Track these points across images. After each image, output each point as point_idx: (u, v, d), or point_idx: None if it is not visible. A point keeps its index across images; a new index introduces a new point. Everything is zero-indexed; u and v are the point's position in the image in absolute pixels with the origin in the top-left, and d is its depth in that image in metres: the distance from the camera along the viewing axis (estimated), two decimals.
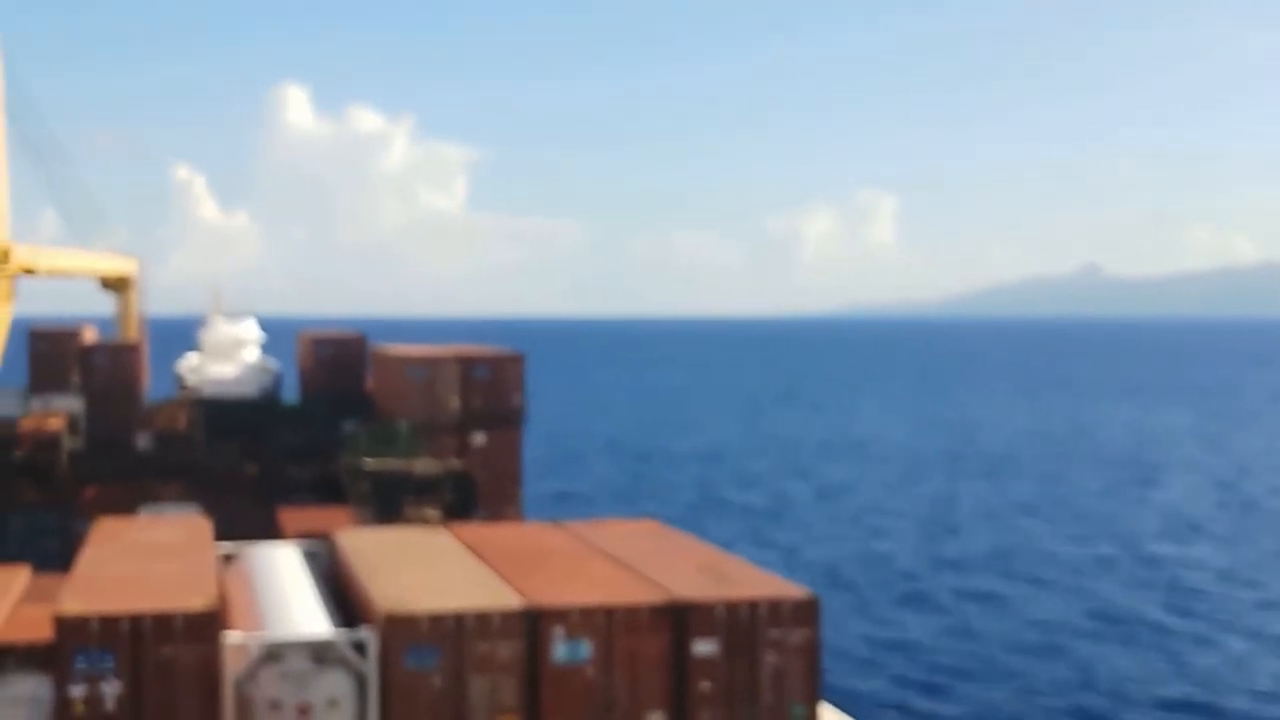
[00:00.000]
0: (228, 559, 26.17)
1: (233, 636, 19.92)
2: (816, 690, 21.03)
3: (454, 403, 38.71)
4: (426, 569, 23.36)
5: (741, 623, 20.79)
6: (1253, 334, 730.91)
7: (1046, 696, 55.16)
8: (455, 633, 20.11)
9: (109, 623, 19.50)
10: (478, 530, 27.75)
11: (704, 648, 20.66)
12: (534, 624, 20.32)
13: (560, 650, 20.33)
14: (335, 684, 19.96)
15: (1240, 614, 69.41)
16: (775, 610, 20.94)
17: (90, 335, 51.32)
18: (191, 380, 47.68)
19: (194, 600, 20.15)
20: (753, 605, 20.92)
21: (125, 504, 39.56)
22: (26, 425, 43.77)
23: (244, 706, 19.68)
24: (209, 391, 45.78)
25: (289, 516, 35.48)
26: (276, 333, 59.67)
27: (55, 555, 33.62)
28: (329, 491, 38.52)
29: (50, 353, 48.34)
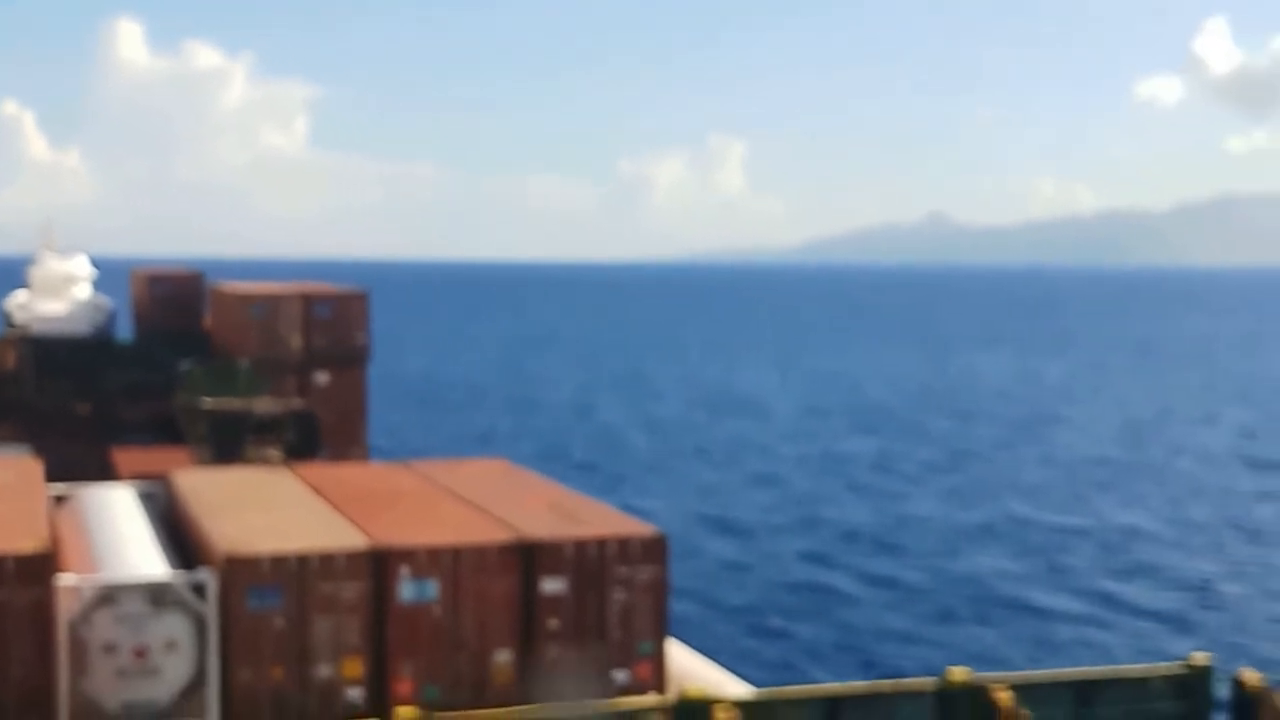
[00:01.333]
0: (60, 501, 25.35)
1: (66, 579, 19.32)
2: (664, 627, 21.09)
3: (296, 341, 37.98)
4: (268, 510, 22.92)
5: (590, 561, 20.74)
6: (1096, 282, 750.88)
7: (891, 639, 56.27)
8: (298, 574, 19.76)
9: None
10: (321, 470, 27.28)
11: (552, 586, 20.59)
12: (379, 564, 20.06)
13: (406, 590, 20.10)
14: (173, 626, 19.50)
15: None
16: (624, 548, 20.94)
17: None
18: (20, 318, 46.01)
19: (25, 542, 19.46)
20: (601, 543, 20.89)
21: None
22: None
23: (78, 650, 19.13)
24: (38, 329, 44.20)
25: (124, 457, 34.57)
26: (113, 273, 57.97)
27: None
28: (165, 432, 37.55)
29: None
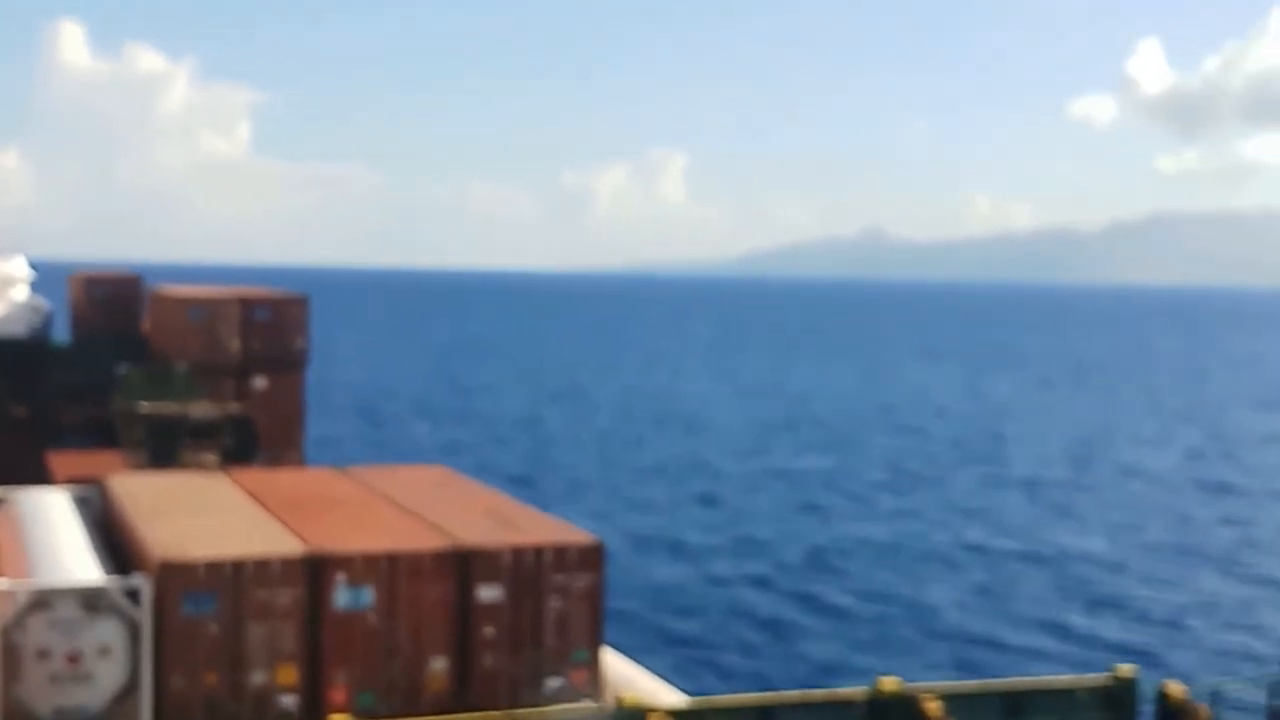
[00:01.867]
0: None
1: None
2: (599, 635, 21.18)
3: (234, 345, 37.85)
4: (204, 515, 22.81)
5: (526, 568, 20.80)
6: (1033, 299, 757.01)
7: (824, 650, 56.60)
8: (233, 580, 19.68)
9: None
10: (257, 475, 27.19)
11: (488, 593, 20.63)
12: (315, 570, 20.01)
13: (342, 597, 20.07)
14: (107, 632, 19.37)
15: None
16: (560, 556, 21.01)
17: None
18: None
19: None
20: (538, 551, 20.96)
21: None
22: None
23: (11, 655, 18.97)
24: None
25: (59, 461, 34.25)
26: (52, 276, 57.43)
27: None
28: (102, 436, 37.28)
29: None
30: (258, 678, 19.78)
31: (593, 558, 21.19)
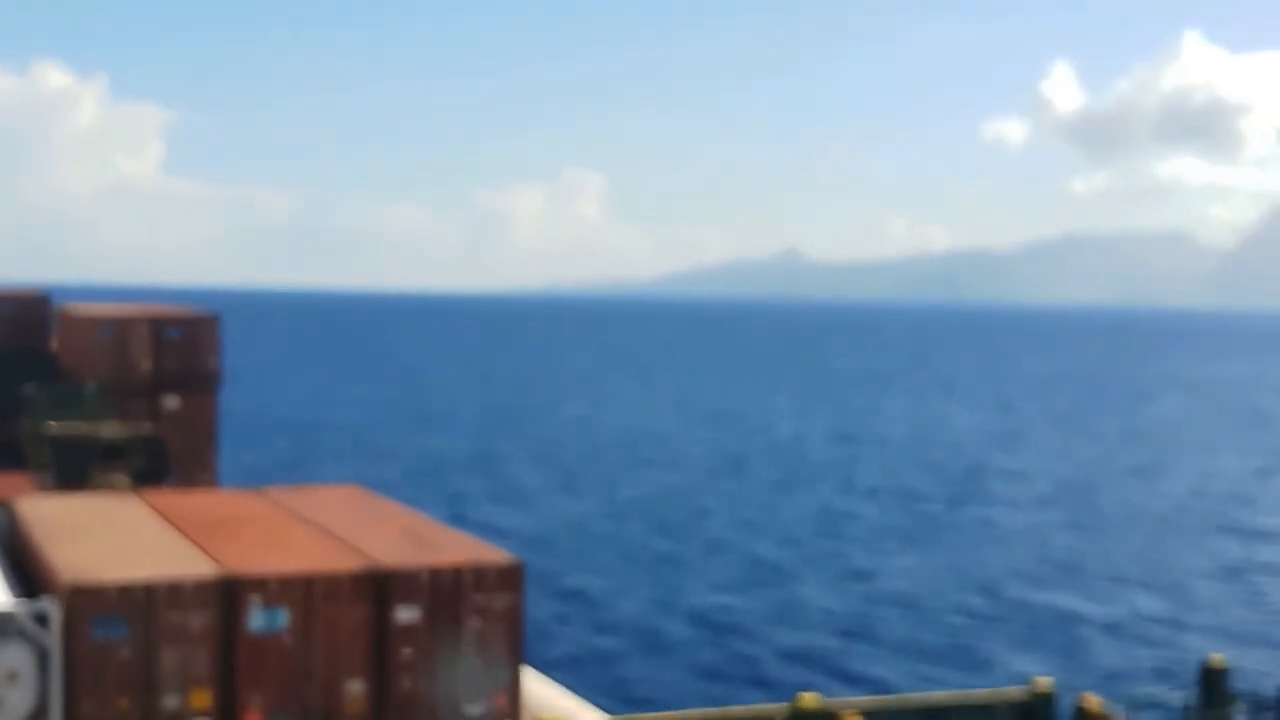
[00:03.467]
0: None
1: None
2: (519, 655, 21.02)
3: (145, 364, 37.24)
4: (114, 537, 22.40)
5: (445, 589, 20.58)
6: (948, 319, 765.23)
7: (743, 668, 56.68)
8: (145, 603, 19.31)
9: None
10: (170, 497, 26.75)
11: (406, 614, 20.38)
12: (228, 593, 19.69)
13: (256, 619, 19.76)
14: (15, 657, 18.96)
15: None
16: (479, 576, 20.81)
17: None
18: None
19: None
20: (457, 571, 20.74)
21: None
22: None
23: None
24: None
25: None
26: None
27: None
28: (9, 457, 36.52)
29: None
30: (171, 702, 19.42)
31: (512, 577, 21.00)
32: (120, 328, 37.77)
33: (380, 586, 20.36)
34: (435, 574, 20.63)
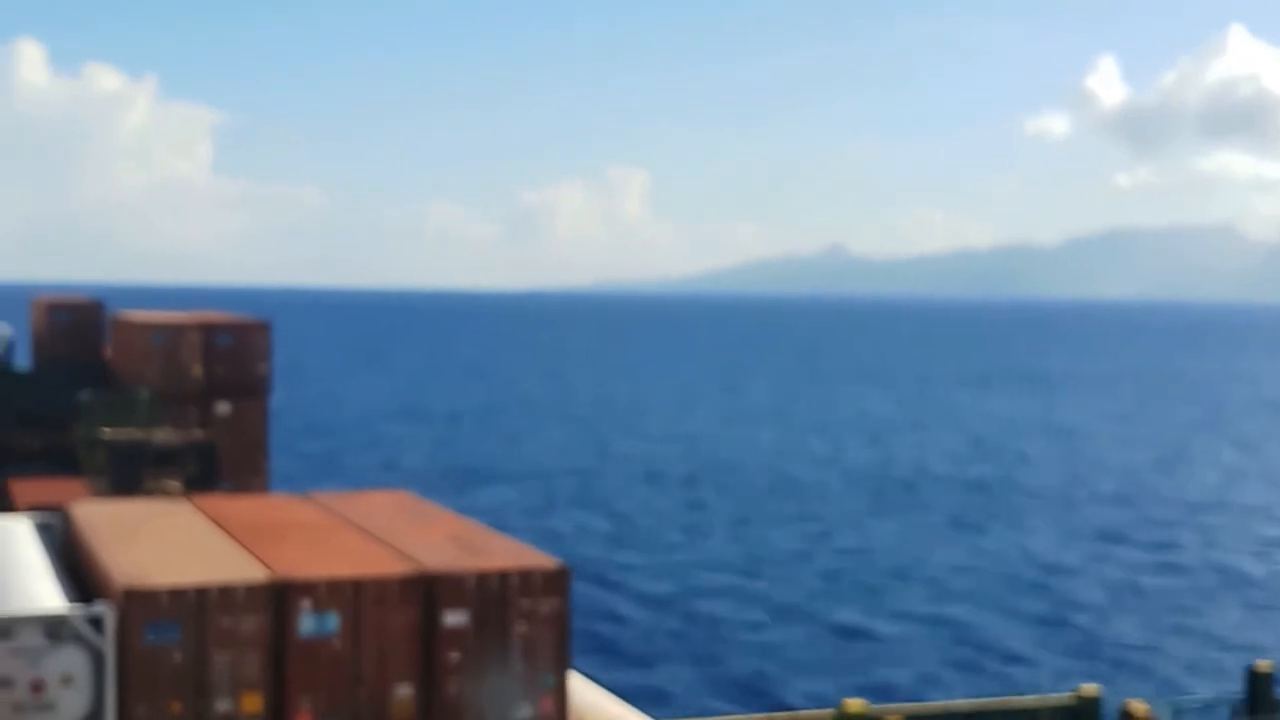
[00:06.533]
0: None
1: None
2: (566, 659, 21.13)
3: (197, 371, 37.67)
4: (167, 542, 22.64)
5: (492, 593, 20.70)
6: (999, 315, 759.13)
7: (790, 672, 56.62)
8: (197, 607, 19.50)
9: None
10: (221, 502, 27.03)
11: (454, 619, 20.52)
12: (279, 597, 19.87)
13: (306, 624, 19.94)
14: (70, 660, 19.20)
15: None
16: (526, 580, 20.92)
17: None
18: None
19: None
20: (503, 575, 20.85)
21: None
22: None
23: None
24: None
25: (20, 488, 33.98)
26: (8, 297, 56.94)
27: None
28: (64, 463, 37.00)
29: None
30: (222, 705, 19.63)
31: (558, 581, 21.09)
32: (172, 335, 38.20)
33: (428, 591, 20.51)
34: (482, 578, 20.75)
